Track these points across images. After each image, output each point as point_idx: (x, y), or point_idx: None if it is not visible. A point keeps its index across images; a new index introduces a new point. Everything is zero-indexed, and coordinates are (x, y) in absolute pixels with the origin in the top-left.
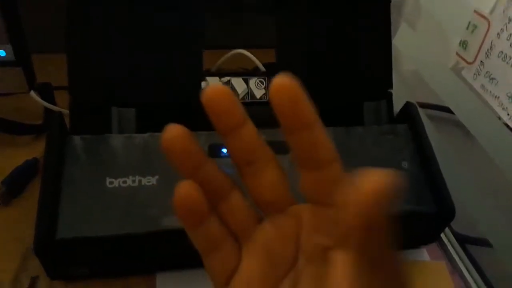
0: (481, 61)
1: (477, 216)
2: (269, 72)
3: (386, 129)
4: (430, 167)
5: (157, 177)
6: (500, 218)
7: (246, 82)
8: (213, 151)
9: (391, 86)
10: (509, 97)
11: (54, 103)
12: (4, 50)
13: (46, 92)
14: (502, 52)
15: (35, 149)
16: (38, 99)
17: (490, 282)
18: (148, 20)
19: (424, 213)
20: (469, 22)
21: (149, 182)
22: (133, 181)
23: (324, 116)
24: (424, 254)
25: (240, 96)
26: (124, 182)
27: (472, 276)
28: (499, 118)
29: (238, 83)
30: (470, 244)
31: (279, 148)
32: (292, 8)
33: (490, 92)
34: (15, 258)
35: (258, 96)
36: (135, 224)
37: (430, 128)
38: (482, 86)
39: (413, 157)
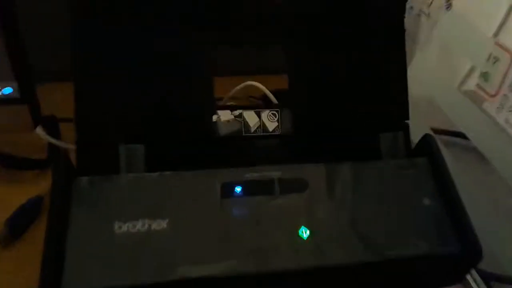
0: (505, 94)
1: (501, 251)
2: (282, 104)
3: (405, 164)
4: (453, 204)
5: (167, 220)
6: None
7: (259, 115)
8: (226, 190)
9: (407, 117)
10: None
11: (60, 137)
12: (11, 87)
13: (51, 125)
14: None
15: (39, 185)
16: (44, 135)
17: None
18: (158, 52)
19: (449, 255)
20: (490, 54)
21: (159, 226)
22: (143, 225)
23: (341, 149)
24: None
25: (252, 130)
26: (133, 226)
27: None
28: None
29: (250, 116)
30: (496, 281)
31: (296, 185)
32: (302, 38)
33: None
34: None
35: (270, 129)
36: (146, 274)
37: (445, 155)
38: (506, 120)
39: (434, 193)
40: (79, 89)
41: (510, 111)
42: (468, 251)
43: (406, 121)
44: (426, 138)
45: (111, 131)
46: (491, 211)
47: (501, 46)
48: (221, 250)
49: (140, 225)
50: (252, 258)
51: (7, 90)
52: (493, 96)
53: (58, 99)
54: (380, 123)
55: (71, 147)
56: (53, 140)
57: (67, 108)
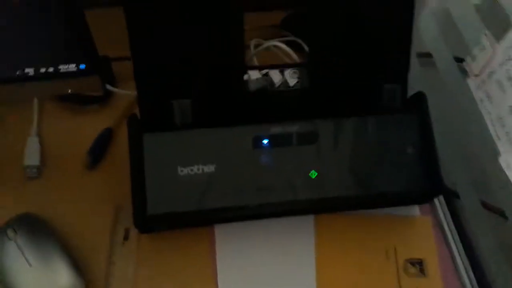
0: (483, 79)
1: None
2: (302, 63)
3: (398, 119)
4: (430, 153)
5: (215, 165)
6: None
7: (282, 73)
8: (256, 143)
9: (408, 70)
10: (499, 118)
11: (112, 74)
12: (84, 64)
13: (105, 66)
14: (499, 80)
15: (101, 118)
16: (110, 88)
17: (467, 233)
18: (203, 20)
19: (419, 191)
20: (480, 41)
21: (209, 169)
22: (198, 169)
23: (348, 99)
24: (416, 209)
25: (276, 85)
26: (191, 170)
27: (449, 228)
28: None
29: (275, 75)
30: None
31: (309, 137)
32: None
33: (486, 107)
34: (107, 213)
35: (291, 85)
36: (202, 203)
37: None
38: (481, 99)
39: (417, 144)
40: (137, 53)
41: (484, 93)
42: (434, 189)
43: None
44: (419, 95)
45: (164, 90)
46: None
47: (488, 37)
48: (253, 187)
49: (196, 169)
50: (274, 192)
51: (82, 66)
52: (475, 76)
53: (108, 25)
54: (383, 75)
55: (123, 92)
56: (111, 88)
57: (117, 36)
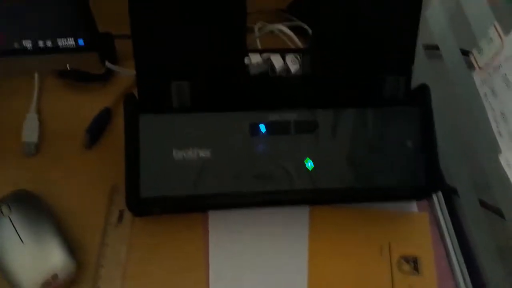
0: (489, 73)
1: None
2: (304, 48)
3: (398, 111)
4: (429, 147)
5: (210, 149)
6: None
7: (283, 58)
8: (253, 130)
9: (412, 62)
10: (502, 114)
11: (115, 51)
12: (83, 39)
13: (107, 43)
14: (505, 75)
15: (102, 96)
16: (110, 66)
17: (464, 232)
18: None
19: (416, 187)
20: (488, 33)
21: (205, 154)
22: (193, 153)
23: (350, 88)
24: (413, 205)
25: (278, 71)
26: (186, 153)
27: (446, 226)
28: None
29: (277, 60)
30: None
31: (308, 126)
32: None
33: (490, 103)
34: (103, 193)
35: (293, 71)
36: (196, 188)
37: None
38: (485, 94)
39: (417, 138)
40: (137, 33)
41: (489, 87)
42: (432, 185)
43: (411, 66)
44: (422, 88)
45: (163, 71)
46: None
47: (497, 30)
48: (248, 174)
49: (191, 153)
50: (270, 180)
51: (81, 42)
52: (481, 69)
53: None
54: (387, 66)
55: (124, 70)
56: (112, 66)
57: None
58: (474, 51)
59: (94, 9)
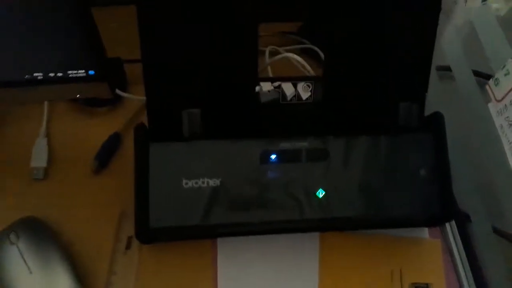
0: (505, 105)
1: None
2: (315, 76)
3: (412, 139)
4: (443, 176)
5: (220, 179)
6: None
7: (295, 86)
8: (264, 158)
9: (426, 89)
10: None
11: (125, 75)
12: (93, 70)
13: (117, 68)
14: None
15: (111, 121)
16: (121, 93)
17: (477, 260)
18: (214, 31)
19: (429, 216)
20: (505, 65)
21: (214, 183)
22: (203, 182)
23: (362, 116)
24: (425, 231)
25: (289, 98)
26: (196, 182)
27: (459, 253)
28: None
29: (288, 87)
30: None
31: (319, 155)
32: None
33: (506, 135)
34: (111, 219)
35: (304, 98)
36: (206, 218)
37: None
38: (501, 126)
39: (431, 166)
40: (147, 61)
41: (505, 119)
42: (445, 214)
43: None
44: (436, 116)
45: (174, 99)
46: None
47: None
48: (258, 203)
49: (200, 182)
50: (280, 209)
51: (91, 72)
52: (497, 101)
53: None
54: (401, 93)
55: (132, 96)
56: (121, 93)
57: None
58: (491, 82)
59: (103, 34)
